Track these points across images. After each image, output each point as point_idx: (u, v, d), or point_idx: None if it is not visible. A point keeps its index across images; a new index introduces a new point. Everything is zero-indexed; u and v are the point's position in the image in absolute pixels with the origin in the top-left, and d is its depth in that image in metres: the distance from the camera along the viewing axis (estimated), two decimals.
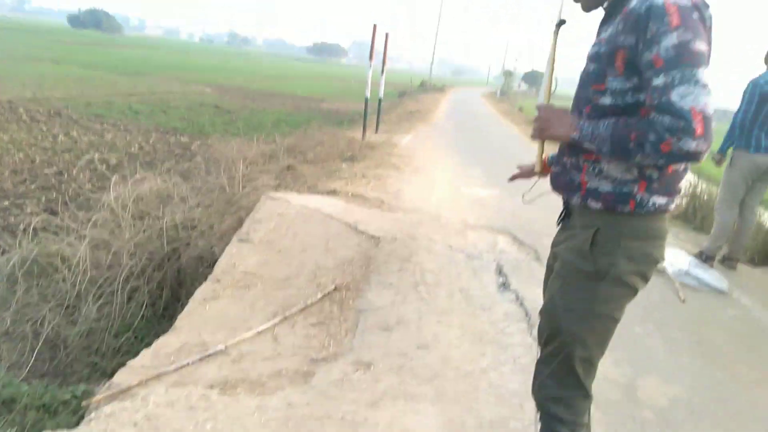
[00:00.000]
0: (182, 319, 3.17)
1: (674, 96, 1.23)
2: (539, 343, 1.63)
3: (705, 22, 1.33)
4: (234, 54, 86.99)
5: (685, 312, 3.64)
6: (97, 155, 9.99)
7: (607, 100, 1.42)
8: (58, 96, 16.10)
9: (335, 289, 3.57)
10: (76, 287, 4.62)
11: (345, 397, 2.27)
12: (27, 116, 12.52)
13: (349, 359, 2.67)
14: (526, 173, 1.97)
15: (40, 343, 4.14)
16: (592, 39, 1.54)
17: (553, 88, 1.71)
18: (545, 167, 1.79)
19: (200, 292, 3.47)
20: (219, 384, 2.40)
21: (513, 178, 2.03)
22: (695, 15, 1.30)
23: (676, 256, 4.36)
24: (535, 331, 3.03)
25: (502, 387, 2.43)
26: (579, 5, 1.56)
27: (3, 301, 4.51)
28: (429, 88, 38.65)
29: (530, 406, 2.30)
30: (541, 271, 3.99)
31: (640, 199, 1.41)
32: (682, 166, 1.43)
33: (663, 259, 1.51)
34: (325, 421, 2.05)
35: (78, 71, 24.27)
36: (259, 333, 3.03)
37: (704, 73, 1.25)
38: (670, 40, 1.26)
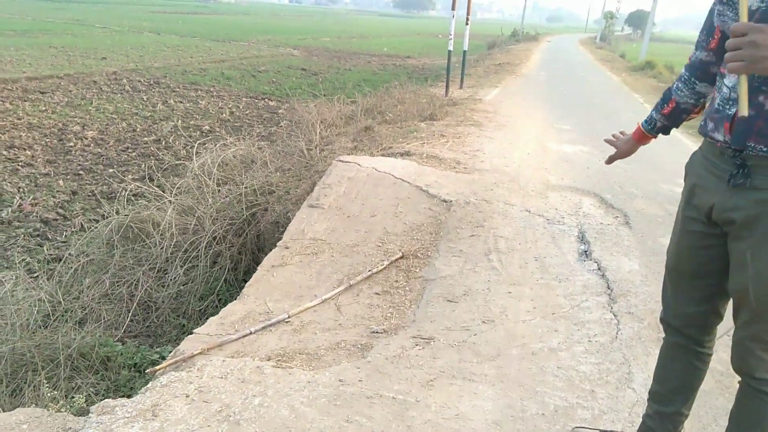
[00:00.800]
0: (250, 287, 3.21)
1: None
2: (736, 318, 1.45)
3: None
4: (321, 14, 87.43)
5: None
6: (191, 122, 10.46)
7: None
8: (157, 65, 16.96)
9: (402, 256, 3.46)
10: (165, 252, 4.87)
11: (399, 375, 2.18)
12: (129, 86, 13.32)
13: (410, 333, 2.57)
14: (624, 150, 1.81)
15: (134, 305, 4.41)
16: None
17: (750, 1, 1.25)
18: (643, 136, 1.67)
19: (269, 259, 3.49)
20: (276, 355, 2.40)
21: (611, 160, 1.87)
22: None
23: None
24: (616, 306, 2.76)
25: (573, 369, 2.22)
26: None
27: (103, 265, 4.85)
28: (521, 37, 36.71)
29: (603, 392, 2.10)
30: (629, 238, 3.65)
31: None
32: None
33: None
34: (374, 401, 1.97)
35: (176, 40, 25.44)
36: (322, 302, 3.00)
37: None
38: None
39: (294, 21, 55.68)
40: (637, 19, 64.47)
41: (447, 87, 10.39)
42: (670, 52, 30.11)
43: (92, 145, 8.61)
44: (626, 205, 4.30)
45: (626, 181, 5.01)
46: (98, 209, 6.30)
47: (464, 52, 11.58)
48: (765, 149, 1.26)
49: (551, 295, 2.89)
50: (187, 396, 1.97)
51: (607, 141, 1.88)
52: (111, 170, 7.66)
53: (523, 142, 6.48)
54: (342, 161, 4.78)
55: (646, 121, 1.70)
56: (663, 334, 2.47)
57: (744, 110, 1.15)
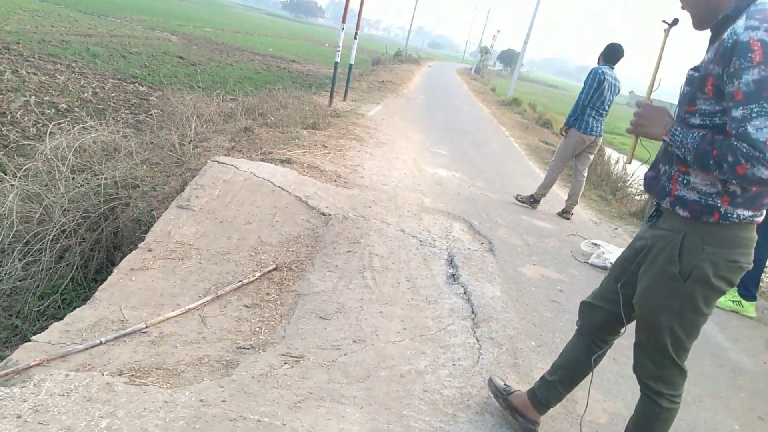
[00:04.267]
0: (103, 291, 2.91)
1: (750, 128, 1.36)
2: (636, 329, 1.77)
3: None
4: (206, 2, 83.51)
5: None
6: (46, 98, 9.37)
7: (696, 121, 1.56)
8: (8, 29, 15.04)
9: (276, 268, 3.36)
10: (1, 242, 4.29)
11: (266, 395, 2.09)
12: None
13: (279, 350, 2.48)
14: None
15: None
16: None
17: (655, 86, 1.79)
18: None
19: (127, 261, 3.20)
20: (129, 370, 2.19)
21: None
22: None
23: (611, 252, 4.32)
24: (479, 331, 2.91)
25: (437, 393, 2.29)
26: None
27: None
28: (404, 58, 38.01)
29: (464, 416, 2.18)
30: (493, 265, 3.89)
31: (724, 211, 1.54)
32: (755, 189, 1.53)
33: (750, 264, 1.62)
34: (237, 424, 1.86)
35: (34, 4, 22.77)
36: (186, 312, 2.81)
37: None
38: (751, 75, 1.37)
39: (175, 5, 52.54)
40: (508, 57, 69.96)
41: (331, 97, 10.40)
42: (534, 91, 33.04)
43: None
44: (491, 233, 4.58)
45: (492, 210, 5.35)
46: None
47: (350, 65, 11.70)
48: (659, 201, 1.69)
49: (420, 316, 2.97)
50: (19, 416, 1.72)
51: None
52: None
53: (402, 162, 6.67)
54: (218, 162, 4.55)
55: None
56: (518, 360, 2.65)
57: (629, 160, 1.76)
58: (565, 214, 5.85)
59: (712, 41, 1.58)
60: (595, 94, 5.29)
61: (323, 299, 3.02)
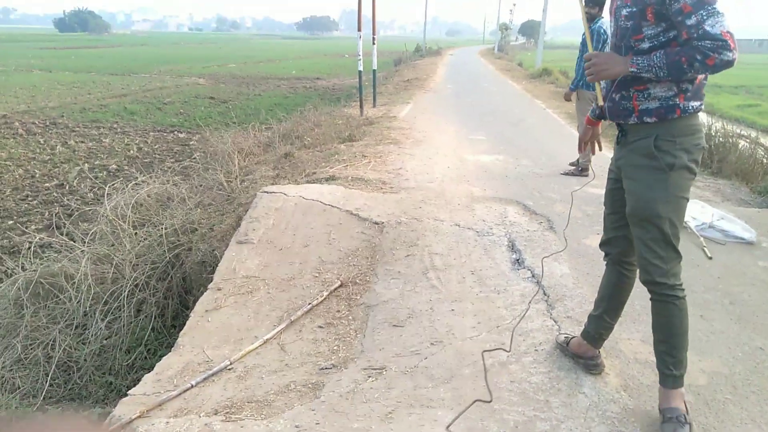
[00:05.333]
0: (184, 335, 3.03)
1: (707, 26, 1.69)
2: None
3: None
4: (224, 40, 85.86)
5: (714, 269, 3.43)
6: (96, 162, 9.87)
7: (645, 45, 1.87)
8: (52, 105, 15.92)
9: (341, 284, 3.40)
10: (83, 305, 4.52)
11: (356, 411, 2.12)
12: (23, 129, 12.38)
13: (360, 364, 2.52)
14: (584, 133, 2.38)
15: (52, 368, 4.06)
16: None
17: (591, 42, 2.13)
18: (591, 122, 2.32)
19: (201, 304, 3.32)
20: (223, 408, 2.27)
21: (583, 146, 2.43)
22: None
23: (699, 210, 4.12)
24: (555, 312, 2.86)
25: (525, 381, 2.26)
26: None
27: (12, 328, 4.44)
28: (425, 52, 37.85)
29: (557, 401, 2.14)
30: (556, 242, 3.80)
31: (683, 107, 1.88)
32: (704, 77, 1.88)
33: (706, 145, 1.97)
34: None
35: (70, 77, 24.03)
36: (264, 343, 2.89)
37: (717, 6, 1.70)
38: None
39: (196, 49, 54.30)
40: (530, 29, 68.39)
41: (361, 106, 10.47)
42: (563, 57, 32.12)
43: None
44: (548, 210, 4.49)
45: (544, 187, 5.24)
46: (0, 267, 5.76)
47: (374, 70, 11.75)
48: (623, 122, 2.00)
49: (492, 308, 2.95)
50: None
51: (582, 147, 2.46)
52: (10, 222, 7.06)
53: (442, 156, 6.63)
54: (267, 192, 4.66)
55: (591, 111, 2.33)
56: None
57: (600, 101, 2.08)
58: (582, 172, 5.76)
59: None
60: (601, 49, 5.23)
61: (393, 307, 3.04)
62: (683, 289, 1.98)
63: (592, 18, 5.42)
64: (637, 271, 2.09)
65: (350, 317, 3.05)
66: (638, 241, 2.00)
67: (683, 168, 1.89)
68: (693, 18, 1.70)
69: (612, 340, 2.48)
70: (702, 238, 3.80)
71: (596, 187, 5.30)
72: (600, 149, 2.41)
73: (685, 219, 4.05)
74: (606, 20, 5.32)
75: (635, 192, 1.97)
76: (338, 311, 3.13)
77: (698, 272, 3.38)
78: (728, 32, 1.68)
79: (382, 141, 7.50)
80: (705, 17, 1.68)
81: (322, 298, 3.26)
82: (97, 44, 57.98)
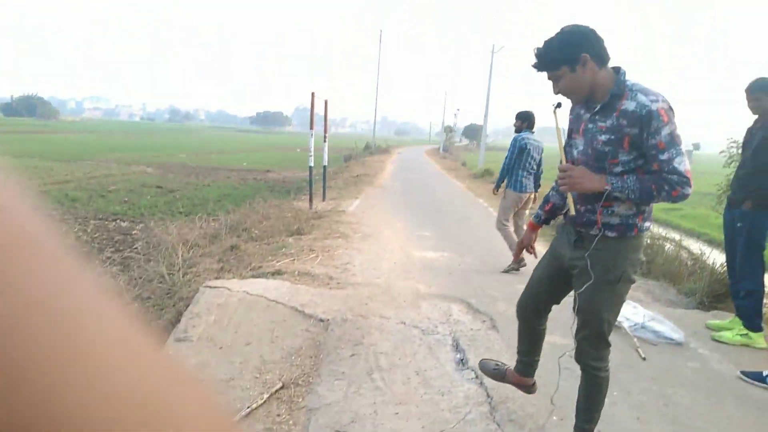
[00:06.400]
0: None
1: (676, 164, 2.02)
2: (577, 327, 2.35)
3: (674, 113, 2.07)
4: (176, 130, 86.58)
5: (648, 371, 3.54)
6: None
7: (618, 168, 2.13)
8: None
9: (282, 386, 3.29)
10: None
11: None
12: None
13: None
14: (527, 238, 2.66)
15: None
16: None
17: (565, 155, 2.35)
18: (534, 226, 2.61)
19: None
20: None
21: (519, 251, 2.81)
22: (672, 112, 2.05)
23: (631, 310, 4.31)
24: (498, 415, 2.85)
25: None
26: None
27: None
28: (374, 149, 39.27)
29: None
30: (499, 342, 3.86)
31: (640, 226, 2.20)
32: (653, 205, 2.19)
33: (644, 259, 2.30)
34: None
35: (10, 161, 23.39)
36: None
37: (683, 147, 2.05)
38: (666, 131, 2.03)
39: (147, 138, 54.40)
40: (472, 132, 72.65)
41: (311, 200, 10.63)
42: (503, 159, 34.00)
43: None
44: (490, 309, 4.58)
45: (486, 285, 5.37)
46: None
47: (324, 166, 12.07)
48: (584, 231, 2.26)
49: (437, 410, 2.91)
50: None
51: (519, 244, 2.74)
52: None
53: (389, 251, 6.74)
54: (210, 287, 4.57)
55: (535, 216, 2.61)
56: None
57: (572, 211, 2.29)
58: (514, 268, 6.02)
59: (603, 109, 2.16)
60: (521, 157, 6.00)
61: (336, 410, 2.95)
62: (608, 369, 2.36)
63: (518, 129, 6.14)
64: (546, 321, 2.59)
65: (291, 422, 2.93)
66: (581, 330, 2.32)
67: (628, 280, 2.22)
68: (666, 154, 2.02)
69: (607, 413, 2.48)
70: (635, 339, 3.95)
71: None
72: (536, 255, 2.67)
73: (619, 319, 4.21)
74: (530, 136, 6.05)
75: (586, 296, 2.24)
76: (278, 415, 3.01)
77: (633, 374, 3.48)
78: (689, 171, 2.02)
79: (331, 235, 7.57)
80: (675, 155, 2.01)
81: (262, 401, 3.13)
82: (44, 130, 57.21)
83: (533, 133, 6.11)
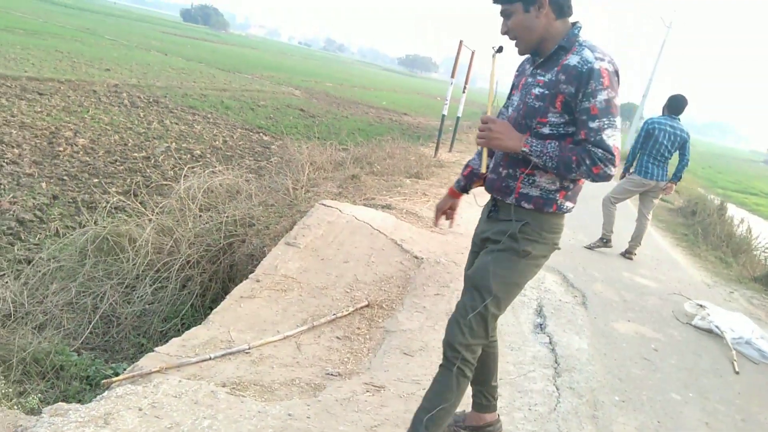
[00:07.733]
0: (216, 314, 3.30)
1: (605, 135, 1.75)
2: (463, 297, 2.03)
3: (619, 82, 1.81)
4: (328, 59, 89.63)
5: (735, 384, 3.35)
6: (184, 145, 10.62)
7: (546, 130, 1.86)
8: (159, 85, 17.22)
9: (368, 305, 3.59)
10: (137, 268, 4.90)
11: (347, 417, 2.28)
12: (128, 101, 13.48)
13: (363, 379, 2.68)
14: (441, 203, 2.40)
15: (97, 317, 4.42)
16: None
17: (495, 103, 2.06)
18: (453, 192, 2.33)
19: (238, 290, 3.59)
20: (231, 383, 2.48)
21: (438, 219, 2.42)
22: (616, 78, 1.80)
23: (739, 322, 4.02)
24: (560, 380, 2.91)
25: None
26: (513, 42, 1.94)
27: (72, 273, 4.86)
28: None
29: None
30: (583, 318, 3.84)
31: (560, 204, 1.92)
32: (582, 182, 1.94)
33: (559, 247, 2.01)
34: None
35: (181, 63, 25.88)
36: (284, 338, 3.10)
37: (619, 120, 1.79)
38: (603, 95, 1.76)
39: (300, 62, 56.95)
40: (626, 111, 67.20)
41: (437, 148, 10.75)
42: None
43: (81, 152, 8.67)
44: (586, 287, 4.51)
45: (590, 264, 5.25)
46: (77, 217, 6.33)
47: (458, 117, 12.05)
48: (501, 198, 1.97)
49: (501, 361, 3.02)
50: (140, 409, 2.05)
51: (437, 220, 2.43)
52: (96, 180, 7.71)
53: None
54: (324, 205, 4.95)
55: (456, 183, 2.34)
56: (597, 413, 2.63)
57: (483, 169, 1.97)
58: (627, 254, 5.97)
59: (545, 64, 1.89)
60: (647, 142, 5.66)
61: (409, 337, 3.18)
62: (472, 371, 1.96)
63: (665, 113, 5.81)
64: (497, 342, 2.23)
65: (367, 336, 3.22)
66: (460, 304, 1.99)
67: (535, 260, 1.94)
68: (596, 122, 1.75)
69: (607, 420, 2.51)
70: (734, 352, 3.71)
71: (645, 277, 5.27)
72: (451, 225, 2.44)
73: (723, 329, 3.97)
74: (664, 121, 5.69)
75: (482, 262, 1.97)
76: (358, 328, 3.31)
77: (719, 383, 3.32)
78: (618, 148, 1.77)
79: (447, 184, 7.70)
80: (606, 126, 1.75)
81: (347, 312, 3.45)
82: (214, 39, 62.04)
83: (676, 119, 5.70)
